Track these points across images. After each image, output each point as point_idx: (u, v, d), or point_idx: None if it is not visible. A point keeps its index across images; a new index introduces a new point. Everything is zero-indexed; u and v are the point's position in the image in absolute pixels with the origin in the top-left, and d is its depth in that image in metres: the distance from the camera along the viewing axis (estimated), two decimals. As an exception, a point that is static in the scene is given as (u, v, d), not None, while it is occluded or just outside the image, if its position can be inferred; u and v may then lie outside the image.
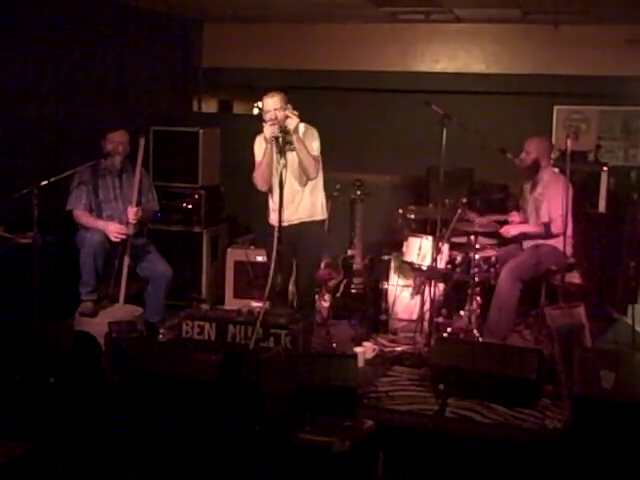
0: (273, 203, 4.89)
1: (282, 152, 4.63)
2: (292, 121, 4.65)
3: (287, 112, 4.66)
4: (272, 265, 4.55)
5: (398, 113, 6.86)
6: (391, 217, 6.02)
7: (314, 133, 4.87)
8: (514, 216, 5.54)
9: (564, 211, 4.93)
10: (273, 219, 4.88)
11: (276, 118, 4.67)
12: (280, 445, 3.41)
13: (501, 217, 5.46)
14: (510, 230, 5.29)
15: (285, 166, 4.61)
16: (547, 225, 5.16)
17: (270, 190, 4.92)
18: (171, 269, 5.24)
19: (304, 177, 4.85)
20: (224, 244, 6.42)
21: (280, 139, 4.62)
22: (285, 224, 4.65)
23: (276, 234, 4.61)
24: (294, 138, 4.68)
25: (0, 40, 5.13)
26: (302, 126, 4.78)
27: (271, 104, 4.74)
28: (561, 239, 4.92)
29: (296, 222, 4.88)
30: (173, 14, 6.89)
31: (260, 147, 4.86)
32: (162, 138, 6.30)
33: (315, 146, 4.83)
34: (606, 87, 6.47)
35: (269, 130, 4.66)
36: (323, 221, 5.03)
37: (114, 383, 4.05)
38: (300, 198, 4.90)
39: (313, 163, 4.79)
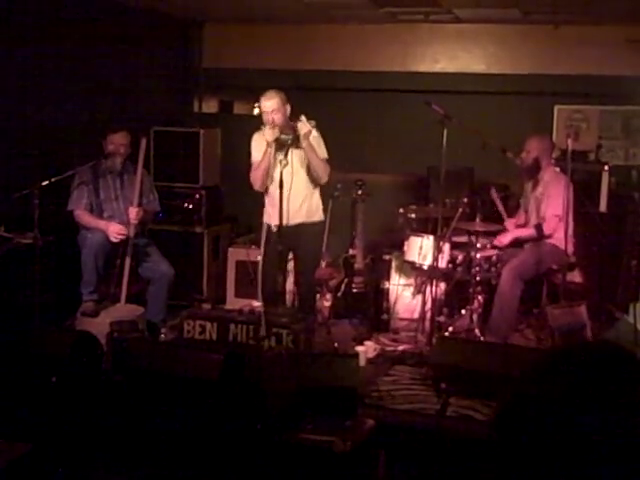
0: (271, 202, 4.89)
1: (285, 151, 4.64)
2: (304, 127, 4.67)
3: (302, 117, 4.70)
4: (260, 264, 4.57)
5: (398, 113, 6.85)
6: (392, 217, 6.01)
7: (321, 140, 4.89)
8: (509, 224, 5.50)
9: (563, 212, 4.93)
10: (269, 218, 4.89)
11: (273, 121, 4.67)
12: (281, 444, 3.40)
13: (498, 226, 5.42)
14: (502, 240, 5.25)
15: (286, 165, 4.61)
16: (538, 226, 5.15)
17: (267, 190, 4.92)
18: (172, 269, 5.24)
19: (311, 180, 4.88)
20: (225, 244, 6.42)
21: (283, 139, 4.63)
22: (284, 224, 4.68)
23: (275, 233, 4.63)
24: (304, 144, 4.70)
25: (0, 40, 5.13)
26: (314, 131, 4.81)
27: (268, 106, 4.74)
28: (562, 238, 4.92)
29: (295, 224, 4.88)
30: (173, 14, 6.89)
31: (258, 146, 4.87)
32: (163, 138, 6.30)
33: (324, 150, 4.88)
34: (606, 87, 6.46)
35: (269, 133, 4.66)
36: (321, 222, 5.04)
37: (116, 383, 4.04)
38: (302, 201, 4.90)
39: (324, 167, 4.82)
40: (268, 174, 4.79)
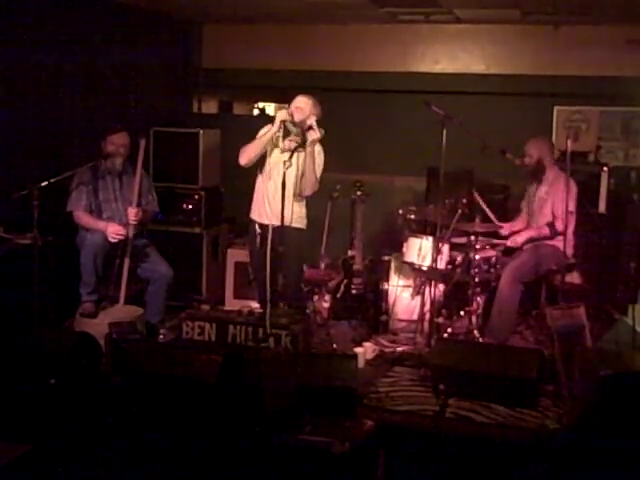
0: (261, 198, 4.97)
1: (290, 153, 4.69)
2: (313, 134, 4.75)
3: (314, 123, 4.77)
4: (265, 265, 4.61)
5: (398, 113, 6.85)
6: (391, 218, 6.02)
7: (322, 155, 4.96)
8: (504, 229, 5.48)
9: (565, 209, 4.94)
10: (258, 215, 4.97)
11: (292, 114, 4.83)
12: (280, 446, 3.40)
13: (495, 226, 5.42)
14: (517, 239, 5.26)
15: (289, 167, 4.65)
16: (551, 224, 5.15)
17: (260, 169, 4.98)
18: (172, 270, 5.24)
19: (299, 188, 4.91)
20: (224, 245, 6.43)
21: (290, 128, 4.78)
22: (266, 222, 4.82)
23: (264, 234, 4.76)
24: (307, 151, 4.77)
25: (0, 40, 5.13)
26: (318, 146, 4.89)
27: (297, 101, 4.91)
28: (562, 239, 4.93)
29: (277, 223, 4.85)
30: (173, 14, 6.89)
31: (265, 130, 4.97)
32: (162, 139, 6.29)
33: (320, 167, 4.93)
34: (606, 87, 6.46)
35: (282, 113, 4.83)
36: (303, 230, 5.04)
37: (114, 384, 4.05)
38: (293, 204, 4.90)
39: (313, 181, 4.88)
40: (260, 151, 4.86)
